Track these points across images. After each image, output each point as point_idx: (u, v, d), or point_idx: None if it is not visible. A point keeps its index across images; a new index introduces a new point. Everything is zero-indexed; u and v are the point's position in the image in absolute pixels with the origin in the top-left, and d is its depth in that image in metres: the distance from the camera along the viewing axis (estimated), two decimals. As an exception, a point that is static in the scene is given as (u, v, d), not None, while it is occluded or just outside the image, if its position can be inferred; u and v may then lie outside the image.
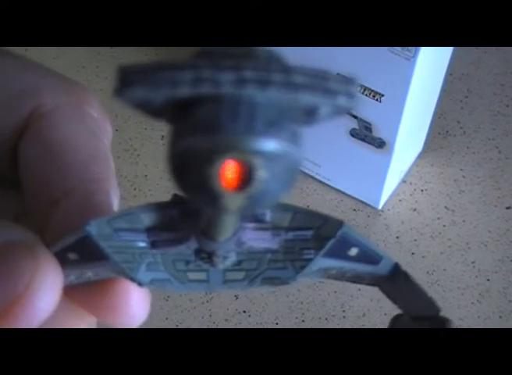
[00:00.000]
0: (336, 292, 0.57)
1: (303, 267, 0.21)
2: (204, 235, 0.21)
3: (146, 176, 0.63)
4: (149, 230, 0.21)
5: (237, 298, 0.56)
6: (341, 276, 0.23)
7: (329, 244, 0.21)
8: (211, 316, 0.55)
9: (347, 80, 0.18)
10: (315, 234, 0.21)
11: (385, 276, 0.22)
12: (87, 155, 0.25)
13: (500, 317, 0.56)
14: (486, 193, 0.63)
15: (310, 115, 0.18)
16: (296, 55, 0.59)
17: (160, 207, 0.21)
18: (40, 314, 0.21)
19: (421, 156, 0.65)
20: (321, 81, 0.17)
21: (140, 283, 0.22)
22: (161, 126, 0.63)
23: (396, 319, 0.25)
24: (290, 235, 0.22)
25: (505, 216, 0.61)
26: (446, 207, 0.62)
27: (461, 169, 0.64)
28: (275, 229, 0.22)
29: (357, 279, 0.23)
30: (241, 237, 0.22)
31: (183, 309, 0.55)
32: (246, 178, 0.17)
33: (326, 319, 0.55)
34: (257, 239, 0.22)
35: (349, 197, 0.62)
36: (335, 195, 0.62)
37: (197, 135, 0.17)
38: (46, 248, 0.22)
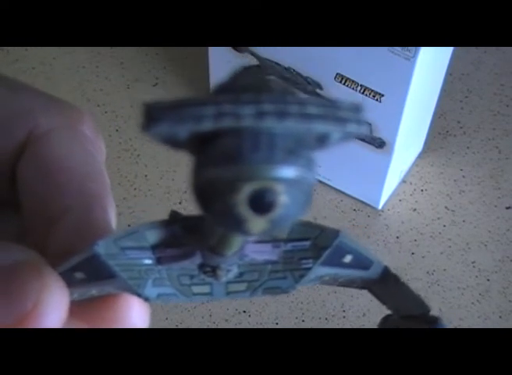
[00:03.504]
0: (335, 292, 0.57)
1: (302, 276, 0.22)
2: (210, 250, 0.22)
3: (146, 176, 0.63)
4: (154, 248, 0.22)
5: (237, 298, 0.56)
6: (334, 281, 0.23)
7: (326, 253, 0.22)
8: (211, 316, 0.55)
9: (356, 108, 0.19)
10: (313, 244, 0.22)
11: (376, 280, 0.23)
12: (83, 173, 0.25)
13: (500, 317, 0.56)
14: (486, 193, 0.63)
15: (322, 141, 0.19)
16: (297, 55, 0.59)
17: (163, 224, 0.22)
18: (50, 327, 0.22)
19: (421, 156, 0.65)
20: (332, 111, 0.18)
21: (147, 299, 0.22)
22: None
23: (385, 319, 0.25)
24: (289, 246, 0.23)
25: (505, 216, 0.61)
26: (446, 207, 0.62)
27: (461, 169, 0.64)
28: (275, 241, 0.22)
29: (348, 283, 0.24)
30: (244, 250, 0.22)
31: (183, 309, 0.55)
32: (269, 204, 0.18)
33: (326, 319, 0.55)
34: (258, 251, 0.22)
35: (349, 197, 0.62)
36: (335, 195, 0.62)
37: (222, 166, 0.18)
38: (51, 267, 0.22)
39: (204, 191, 0.18)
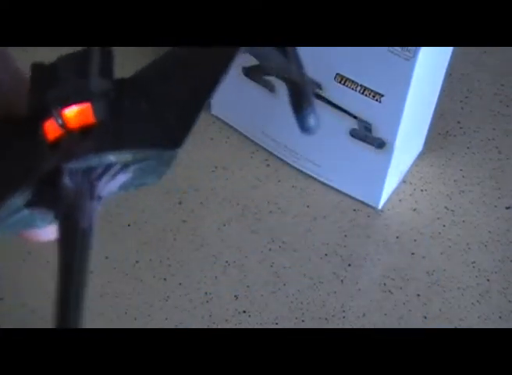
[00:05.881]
0: (335, 292, 0.57)
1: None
2: None
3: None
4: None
5: (237, 299, 0.56)
6: None
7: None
8: (211, 316, 0.55)
9: None
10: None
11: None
12: None
13: (500, 317, 0.56)
14: (486, 193, 0.63)
15: None
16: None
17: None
18: None
19: (420, 156, 0.65)
20: None
21: None
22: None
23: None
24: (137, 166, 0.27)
25: (505, 216, 0.61)
26: (446, 207, 0.62)
27: (461, 170, 0.64)
28: (124, 166, 0.27)
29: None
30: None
31: (183, 309, 0.55)
32: None
33: (326, 319, 0.55)
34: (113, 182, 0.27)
35: (349, 197, 0.62)
36: (335, 195, 0.62)
37: None
38: None
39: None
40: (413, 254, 0.59)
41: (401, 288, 0.57)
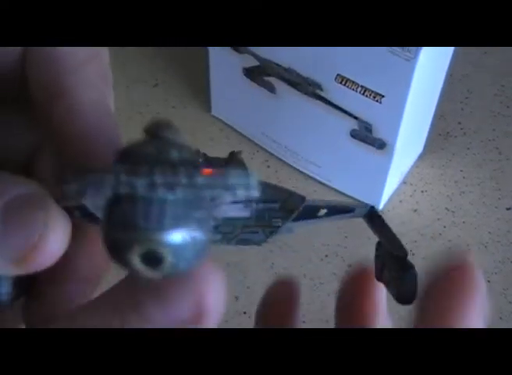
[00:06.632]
0: (335, 294, 0.56)
1: (272, 232, 0.25)
2: None
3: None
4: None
5: (237, 300, 0.56)
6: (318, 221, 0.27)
7: (294, 214, 0.25)
8: (211, 316, 0.55)
9: (245, 174, 0.22)
10: (282, 206, 0.25)
11: (363, 217, 0.26)
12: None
13: (501, 318, 0.56)
14: (486, 194, 0.63)
15: (215, 202, 0.22)
16: (297, 56, 0.59)
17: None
18: (54, 255, 0.24)
19: (421, 157, 0.65)
20: (221, 180, 0.22)
21: None
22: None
23: (379, 244, 0.28)
24: (260, 206, 0.25)
25: (505, 217, 0.61)
26: (446, 208, 0.62)
27: (461, 170, 0.64)
28: (247, 201, 0.25)
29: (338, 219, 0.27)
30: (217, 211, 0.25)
31: (183, 310, 0.55)
32: (157, 262, 0.22)
33: (327, 321, 0.55)
34: (232, 209, 0.25)
35: (349, 198, 0.62)
36: (335, 196, 0.62)
37: (120, 229, 0.22)
38: (53, 200, 0.24)
39: (109, 246, 0.22)
40: (413, 255, 0.59)
41: (401, 289, 0.57)
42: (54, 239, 0.23)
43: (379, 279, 0.27)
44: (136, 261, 0.22)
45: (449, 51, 0.58)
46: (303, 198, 0.25)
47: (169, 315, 0.23)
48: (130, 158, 0.22)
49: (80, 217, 0.25)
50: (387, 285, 0.27)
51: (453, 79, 0.69)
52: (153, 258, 0.22)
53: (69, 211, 0.24)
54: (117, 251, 0.22)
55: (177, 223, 0.22)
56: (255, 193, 0.22)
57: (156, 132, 0.23)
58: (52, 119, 0.27)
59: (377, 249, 0.28)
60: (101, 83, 0.28)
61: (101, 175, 0.22)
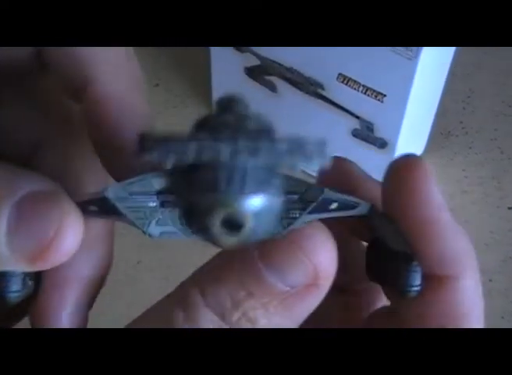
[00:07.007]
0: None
1: (289, 224, 0.25)
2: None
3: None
4: (159, 193, 0.25)
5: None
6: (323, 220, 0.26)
7: (312, 206, 0.25)
8: (212, 316, 0.55)
9: (321, 143, 0.22)
10: (300, 198, 0.25)
11: (364, 215, 0.26)
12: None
13: (502, 317, 0.56)
14: (488, 193, 0.63)
15: (291, 170, 0.23)
16: (299, 55, 0.59)
17: (167, 173, 0.25)
18: (68, 253, 0.24)
19: (422, 156, 0.65)
20: (299, 147, 0.22)
21: (150, 236, 0.25)
22: (162, 126, 0.62)
23: (373, 241, 0.28)
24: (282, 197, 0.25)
25: (507, 216, 0.61)
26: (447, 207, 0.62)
27: (463, 170, 0.64)
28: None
29: (340, 219, 0.26)
30: None
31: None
32: (238, 226, 0.22)
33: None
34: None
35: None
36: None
37: (201, 192, 0.22)
38: (68, 196, 0.24)
39: (187, 210, 0.23)
40: (415, 254, 0.59)
41: (403, 289, 0.56)
42: (69, 236, 0.23)
43: (372, 277, 0.27)
44: (216, 226, 0.22)
45: (450, 50, 0.58)
46: (322, 190, 0.25)
47: (288, 281, 0.23)
48: (209, 127, 0.22)
49: (95, 212, 0.25)
50: (384, 282, 0.27)
51: (454, 78, 0.69)
52: (234, 223, 0.22)
53: (82, 207, 0.24)
54: (197, 216, 0.22)
55: (258, 189, 0.22)
56: (328, 163, 0.22)
57: (228, 105, 0.23)
58: (88, 102, 0.27)
59: (370, 247, 0.28)
60: (129, 74, 0.28)
61: (184, 142, 0.22)
